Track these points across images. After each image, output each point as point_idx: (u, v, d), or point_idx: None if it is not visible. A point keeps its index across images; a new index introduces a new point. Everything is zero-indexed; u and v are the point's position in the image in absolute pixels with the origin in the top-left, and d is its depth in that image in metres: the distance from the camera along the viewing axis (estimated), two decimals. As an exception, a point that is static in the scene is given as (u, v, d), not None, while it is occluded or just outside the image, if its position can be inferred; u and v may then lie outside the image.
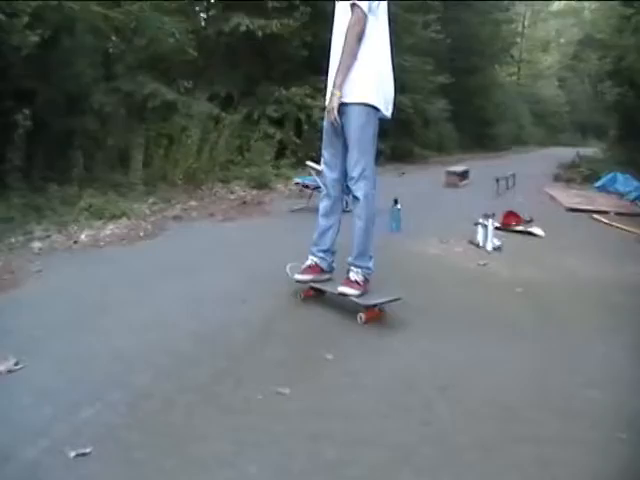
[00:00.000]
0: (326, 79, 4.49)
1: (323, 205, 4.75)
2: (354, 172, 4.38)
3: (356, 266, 4.53)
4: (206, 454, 2.67)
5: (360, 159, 4.38)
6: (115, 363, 3.52)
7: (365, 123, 4.36)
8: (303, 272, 4.74)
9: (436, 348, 4.02)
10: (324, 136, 4.64)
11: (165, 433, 2.82)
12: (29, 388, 3.16)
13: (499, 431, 2.97)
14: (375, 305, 4.48)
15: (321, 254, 4.75)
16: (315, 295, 4.84)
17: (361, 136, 4.37)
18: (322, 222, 4.77)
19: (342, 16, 4.36)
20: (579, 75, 43.34)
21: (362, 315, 4.39)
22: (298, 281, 4.76)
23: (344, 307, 4.59)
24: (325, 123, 4.53)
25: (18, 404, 3.01)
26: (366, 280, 4.54)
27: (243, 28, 13.20)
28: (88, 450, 2.61)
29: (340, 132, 4.43)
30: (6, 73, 7.68)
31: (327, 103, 4.36)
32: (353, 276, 4.52)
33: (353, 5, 4.22)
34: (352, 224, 4.54)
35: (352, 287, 4.46)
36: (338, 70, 4.28)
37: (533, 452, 2.80)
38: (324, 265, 4.76)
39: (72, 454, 2.58)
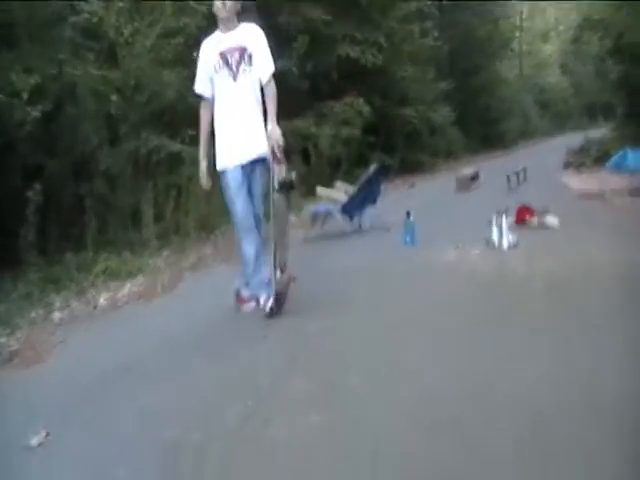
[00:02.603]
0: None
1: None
2: None
3: None
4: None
5: None
6: (144, 420, 3.53)
7: None
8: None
9: (460, 353, 3.99)
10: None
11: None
12: (62, 457, 3.19)
13: (530, 433, 2.91)
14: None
15: None
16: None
17: None
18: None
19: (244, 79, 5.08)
20: (581, 58, 43.10)
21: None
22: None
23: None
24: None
25: (52, 474, 3.04)
26: None
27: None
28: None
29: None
30: (13, 151, 7.81)
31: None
32: None
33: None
34: None
35: None
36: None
37: (564, 450, 2.74)
38: None
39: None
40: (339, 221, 9.05)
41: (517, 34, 44.00)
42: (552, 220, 7.92)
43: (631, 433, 2.86)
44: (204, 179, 5.33)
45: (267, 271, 5.14)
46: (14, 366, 4.86)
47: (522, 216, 8.12)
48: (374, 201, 9.36)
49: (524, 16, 48.89)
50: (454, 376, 3.66)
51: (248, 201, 5.14)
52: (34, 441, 3.34)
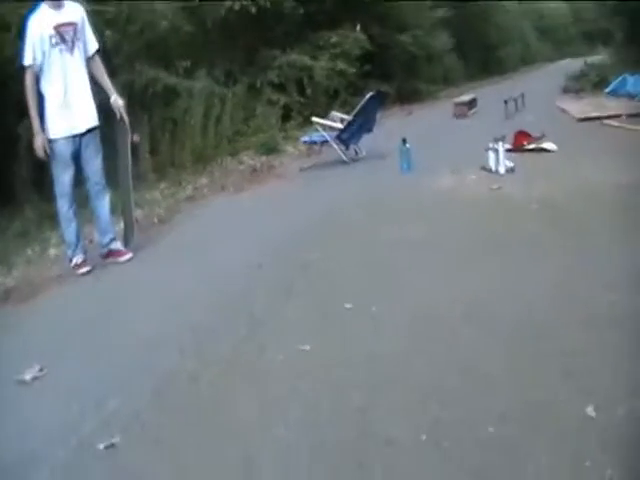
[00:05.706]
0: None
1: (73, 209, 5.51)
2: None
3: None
4: (233, 422, 2.69)
5: None
6: (139, 350, 3.56)
7: None
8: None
9: (456, 276, 4.01)
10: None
11: (191, 410, 2.86)
12: (55, 390, 3.21)
13: (526, 350, 2.95)
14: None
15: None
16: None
17: None
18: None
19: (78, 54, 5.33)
20: (579, -16, 42.16)
21: None
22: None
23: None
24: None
25: (45, 408, 3.06)
26: None
27: (237, 7, 12.85)
28: (116, 440, 2.64)
29: None
30: (5, 88, 7.65)
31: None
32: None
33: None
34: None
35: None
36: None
37: (559, 366, 2.77)
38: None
39: (101, 446, 2.61)
40: (335, 150, 8.97)
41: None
42: (550, 145, 7.85)
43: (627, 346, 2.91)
44: (41, 151, 5.28)
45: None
46: (10, 303, 4.85)
47: (519, 141, 8.06)
48: (370, 129, 9.26)
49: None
50: (451, 294, 3.70)
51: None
52: (27, 376, 3.37)
